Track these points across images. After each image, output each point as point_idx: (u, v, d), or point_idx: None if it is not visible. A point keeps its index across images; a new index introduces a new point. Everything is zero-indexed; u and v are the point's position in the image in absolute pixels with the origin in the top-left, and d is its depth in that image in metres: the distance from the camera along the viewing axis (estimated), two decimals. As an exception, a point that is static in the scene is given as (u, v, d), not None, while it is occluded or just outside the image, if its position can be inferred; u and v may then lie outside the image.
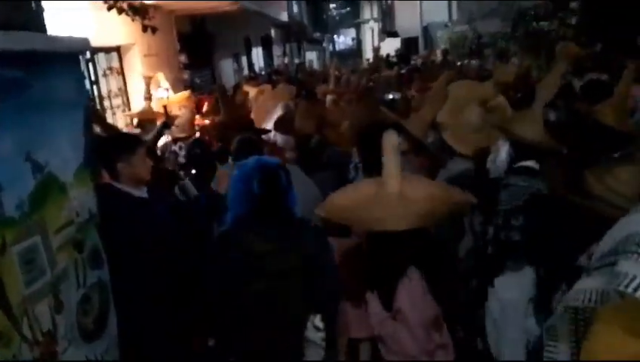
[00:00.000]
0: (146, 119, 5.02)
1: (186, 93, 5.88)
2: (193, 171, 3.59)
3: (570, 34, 6.74)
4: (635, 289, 0.92)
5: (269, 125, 4.48)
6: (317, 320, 2.02)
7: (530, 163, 2.39)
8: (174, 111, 5.16)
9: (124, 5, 3.65)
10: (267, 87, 6.63)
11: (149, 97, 5.44)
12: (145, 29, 3.95)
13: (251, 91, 6.17)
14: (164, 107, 4.88)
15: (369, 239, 1.92)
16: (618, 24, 5.68)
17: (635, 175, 1.72)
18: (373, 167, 2.55)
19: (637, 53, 4.96)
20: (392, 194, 1.69)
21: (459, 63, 9.68)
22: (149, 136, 4.21)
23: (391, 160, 1.71)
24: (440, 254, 1.82)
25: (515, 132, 2.39)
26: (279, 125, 4.06)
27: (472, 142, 2.80)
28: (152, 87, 5.66)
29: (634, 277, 0.93)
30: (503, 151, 2.69)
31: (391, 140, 1.72)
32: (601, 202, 1.65)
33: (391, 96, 5.37)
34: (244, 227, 2.14)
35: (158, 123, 4.63)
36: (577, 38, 6.43)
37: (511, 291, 2.30)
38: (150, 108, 5.26)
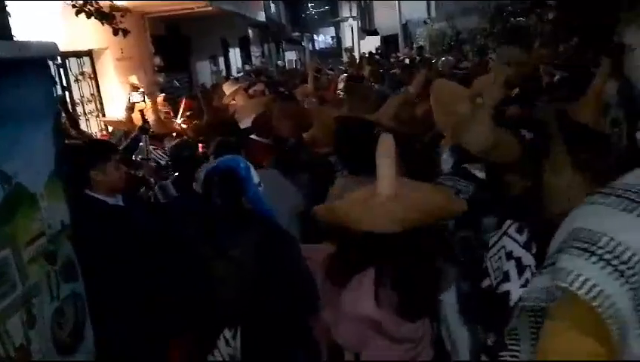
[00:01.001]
0: (122, 128, 4.95)
1: (160, 97, 5.80)
2: (176, 173, 3.55)
3: (548, 29, 6.81)
4: (572, 284, 0.91)
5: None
6: (228, 334, 2.05)
7: (473, 166, 2.35)
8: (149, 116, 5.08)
9: (92, 9, 3.56)
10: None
11: (131, 107, 5.36)
12: (116, 32, 3.87)
13: (228, 91, 6.09)
14: (141, 111, 4.80)
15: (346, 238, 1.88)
16: (594, 20, 5.73)
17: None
18: (357, 166, 2.54)
19: (612, 50, 5.01)
20: (386, 196, 1.67)
21: (434, 60, 9.70)
22: (124, 143, 4.14)
23: (385, 162, 1.69)
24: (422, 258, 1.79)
25: (461, 139, 2.33)
26: (256, 127, 4.02)
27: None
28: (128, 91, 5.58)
29: (571, 272, 0.92)
30: (445, 152, 2.70)
31: (386, 143, 1.70)
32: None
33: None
34: (200, 227, 2.16)
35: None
36: (554, 33, 6.50)
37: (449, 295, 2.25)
38: (130, 118, 5.19)
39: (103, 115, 6.56)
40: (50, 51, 2.28)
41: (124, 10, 4.05)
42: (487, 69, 6.02)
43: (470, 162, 2.32)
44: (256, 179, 2.28)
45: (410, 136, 3.21)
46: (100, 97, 6.74)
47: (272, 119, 3.88)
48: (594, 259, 0.90)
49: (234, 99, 5.68)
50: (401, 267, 1.69)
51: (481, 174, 2.27)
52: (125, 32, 3.90)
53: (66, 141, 3.08)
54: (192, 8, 8.27)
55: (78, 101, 6.15)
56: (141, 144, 4.33)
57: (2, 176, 1.85)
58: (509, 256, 1.71)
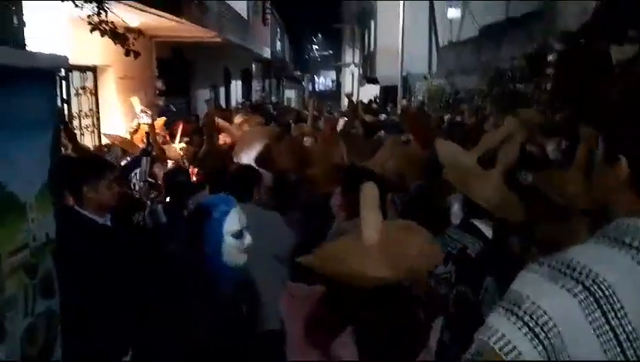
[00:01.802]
0: (122, 146, 4.93)
1: (161, 120, 5.81)
2: (167, 199, 3.52)
3: (545, 98, 6.97)
4: (490, 338, 1.01)
5: (246, 159, 4.44)
6: None
7: (480, 222, 2.37)
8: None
9: (107, 28, 3.59)
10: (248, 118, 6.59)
11: (135, 131, 5.37)
12: (127, 53, 3.89)
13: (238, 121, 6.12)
14: (147, 134, 4.80)
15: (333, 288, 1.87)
16: (589, 95, 5.90)
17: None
18: (355, 211, 2.55)
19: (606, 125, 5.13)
20: (369, 246, 1.65)
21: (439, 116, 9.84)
22: (124, 163, 4.13)
23: (369, 212, 1.68)
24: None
25: (474, 195, 2.37)
26: (260, 160, 4.02)
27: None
28: (137, 110, 5.58)
29: (492, 328, 1.02)
30: (455, 205, 2.71)
31: (369, 192, 1.69)
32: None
33: (403, 138, 5.43)
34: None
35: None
36: (551, 103, 6.66)
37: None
38: (132, 140, 5.19)
39: (99, 131, 6.54)
40: (60, 64, 2.29)
41: (136, 32, 4.09)
42: (482, 129, 6.12)
43: (479, 217, 2.33)
44: (235, 226, 2.21)
45: (402, 183, 3.25)
46: (98, 113, 6.74)
47: (276, 152, 3.89)
48: (513, 319, 1.01)
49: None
50: (380, 316, 1.66)
51: (488, 232, 2.28)
52: (136, 54, 3.94)
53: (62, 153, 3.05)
54: (201, 37, 8.39)
55: (76, 115, 6.14)
56: (141, 166, 4.30)
57: (-6, 183, 1.82)
58: None
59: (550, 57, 6.92)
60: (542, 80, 7.23)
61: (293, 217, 3.22)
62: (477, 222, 2.31)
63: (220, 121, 5.89)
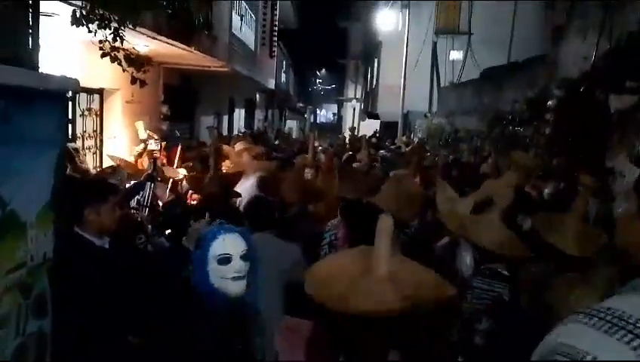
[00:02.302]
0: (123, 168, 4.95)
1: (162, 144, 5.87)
2: (168, 231, 3.53)
3: (543, 143, 7.04)
4: None
5: (240, 189, 4.46)
6: None
7: (498, 266, 2.39)
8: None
9: (120, 55, 3.65)
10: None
11: (139, 155, 5.42)
12: (134, 81, 3.93)
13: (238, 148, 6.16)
14: (154, 160, 4.84)
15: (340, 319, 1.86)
16: (586, 142, 5.98)
17: (590, 295, 1.80)
18: (358, 243, 2.56)
19: (603, 173, 5.19)
20: (379, 277, 1.66)
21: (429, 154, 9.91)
22: (128, 186, 4.15)
23: (382, 243, 1.69)
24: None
25: (473, 239, 2.40)
26: (263, 186, 4.05)
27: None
28: (140, 134, 5.62)
29: None
30: (467, 255, 2.72)
31: (385, 224, 1.71)
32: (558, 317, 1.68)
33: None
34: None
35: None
36: (549, 147, 6.73)
37: None
38: (135, 164, 5.23)
39: (101, 152, 6.58)
40: (71, 87, 2.33)
41: (146, 59, 4.15)
42: (479, 170, 6.18)
43: (491, 262, 2.34)
44: (220, 251, 2.16)
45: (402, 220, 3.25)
46: (102, 135, 6.79)
47: (281, 184, 3.92)
48: None
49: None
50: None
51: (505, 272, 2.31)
52: (143, 83, 3.96)
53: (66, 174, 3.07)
54: (209, 66, 8.51)
55: (79, 135, 6.19)
56: (144, 191, 4.33)
57: (-2, 198, 1.83)
58: None
59: (550, 103, 7.02)
60: (541, 124, 7.32)
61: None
62: (495, 267, 2.34)
63: (225, 147, 5.95)
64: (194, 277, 2.14)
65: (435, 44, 19.82)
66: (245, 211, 3.29)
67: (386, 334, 1.67)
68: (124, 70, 3.84)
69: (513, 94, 9.73)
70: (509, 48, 13.33)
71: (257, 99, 19.25)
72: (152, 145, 5.03)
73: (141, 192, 4.28)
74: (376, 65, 24.76)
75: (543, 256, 2.42)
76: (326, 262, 1.99)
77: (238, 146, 6.14)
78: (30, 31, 2.20)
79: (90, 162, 6.24)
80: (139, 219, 3.85)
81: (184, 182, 5.34)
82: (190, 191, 4.90)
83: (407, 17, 18.79)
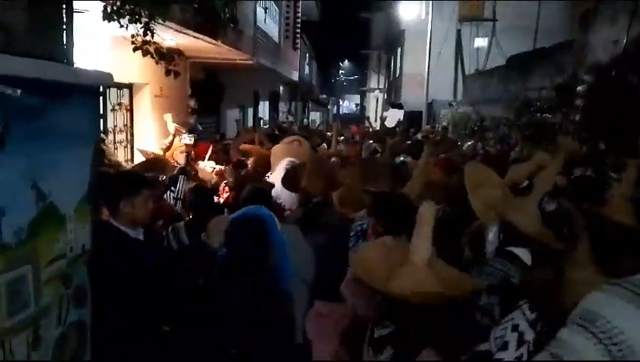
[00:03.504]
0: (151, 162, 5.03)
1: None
2: (189, 217, 3.56)
3: (573, 129, 6.91)
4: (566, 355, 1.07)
5: (272, 179, 4.49)
6: None
7: (519, 250, 2.36)
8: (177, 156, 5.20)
9: (151, 49, 3.72)
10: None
11: (167, 148, 5.49)
12: (168, 72, 4.02)
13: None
14: (187, 155, 4.91)
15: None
16: (618, 127, 5.85)
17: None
18: (391, 233, 2.56)
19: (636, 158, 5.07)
20: (419, 262, 1.67)
21: (459, 143, 9.80)
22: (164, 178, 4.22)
23: (423, 231, 1.71)
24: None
25: (509, 219, 2.37)
26: (286, 181, 4.06)
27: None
28: (170, 127, 5.68)
29: (567, 343, 1.08)
30: (491, 233, 2.69)
31: (427, 211, 1.72)
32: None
33: (402, 159, 5.44)
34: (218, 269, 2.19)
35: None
36: (579, 133, 6.60)
37: None
38: (162, 157, 5.30)
39: (132, 146, 6.70)
40: (104, 81, 2.38)
41: (178, 52, 4.22)
42: (507, 158, 6.08)
43: (517, 245, 2.32)
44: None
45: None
46: (132, 129, 6.91)
47: (305, 176, 3.92)
48: (588, 335, 1.05)
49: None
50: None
51: (525, 258, 2.28)
52: (177, 74, 4.05)
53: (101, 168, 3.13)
54: (234, 59, 8.56)
55: (111, 130, 6.32)
56: (177, 185, 4.39)
57: (39, 192, 1.89)
58: (515, 328, 1.74)
59: (580, 88, 6.87)
60: (570, 111, 7.17)
61: (318, 238, 3.23)
62: (516, 250, 2.31)
63: (246, 146, 5.97)
64: (277, 245, 2.21)
65: (459, 32, 19.52)
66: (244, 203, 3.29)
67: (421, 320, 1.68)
68: (157, 62, 3.91)
69: (540, 81, 9.54)
70: (534, 34, 13.07)
71: (281, 91, 19.29)
72: (186, 140, 5.09)
73: (174, 186, 4.35)
74: (399, 54, 24.54)
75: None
76: (370, 247, 2.02)
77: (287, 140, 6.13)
78: (64, 27, 2.25)
79: (121, 156, 6.36)
80: (179, 212, 3.90)
81: (214, 176, 5.38)
82: (222, 186, 4.94)
83: (430, 5, 18.51)
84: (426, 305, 1.64)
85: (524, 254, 2.30)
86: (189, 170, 4.60)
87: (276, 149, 5.31)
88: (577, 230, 2.08)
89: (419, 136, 11.88)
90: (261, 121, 15.19)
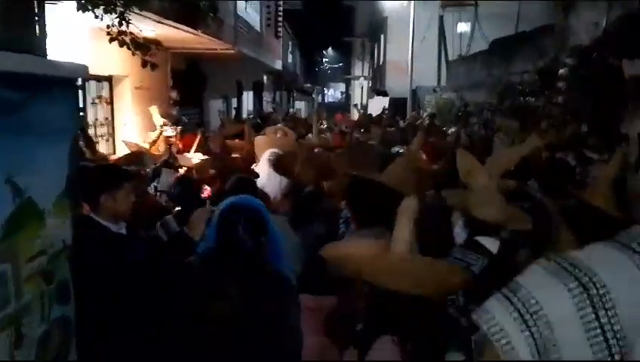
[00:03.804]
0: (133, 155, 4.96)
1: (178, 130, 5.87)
2: (177, 209, 3.53)
3: (556, 112, 6.96)
4: (480, 319, 1.08)
5: (257, 170, 4.46)
6: None
7: (486, 239, 2.34)
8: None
9: (127, 39, 3.65)
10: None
11: (154, 142, 5.43)
12: (145, 64, 3.95)
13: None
14: (170, 146, 4.86)
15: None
16: (601, 109, 5.90)
17: None
18: (366, 221, 2.54)
19: (619, 139, 5.13)
20: (399, 256, 1.66)
21: (444, 128, 9.83)
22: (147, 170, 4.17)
23: (405, 224, 1.68)
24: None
25: (474, 213, 2.35)
26: (278, 165, 4.03)
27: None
28: (155, 119, 5.62)
29: (486, 311, 1.09)
30: (457, 226, 2.69)
31: (409, 205, 1.70)
32: None
33: (397, 150, 5.44)
34: (203, 263, 2.15)
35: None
36: (562, 116, 6.65)
37: None
38: (145, 149, 5.25)
39: (114, 139, 6.62)
40: (80, 73, 2.33)
41: (156, 43, 4.15)
42: (491, 144, 6.10)
43: (484, 235, 2.30)
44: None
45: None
46: (113, 122, 6.83)
47: (298, 164, 3.91)
48: (507, 304, 1.07)
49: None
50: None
51: (493, 248, 2.26)
52: (154, 66, 3.98)
53: (81, 162, 3.08)
54: (215, 49, 8.48)
55: (91, 124, 6.23)
56: (160, 177, 4.34)
57: (15, 188, 1.85)
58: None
59: (562, 71, 6.91)
60: (553, 94, 7.22)
61: (307, 230, 3.22)
62: (481, 239, 2.29)
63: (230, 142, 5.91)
64: (272, 239, 2.18)
65: (441, 18, 19.54)
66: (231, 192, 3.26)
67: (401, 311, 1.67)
68: (133, 54, 3.85)
69: (523, 65, 9.59)
70: (517, 18, 13.11)
71: (265, 81, 19.18)
72: (169, 132, 5.04)
73: (157, 178, 4.30)
74: (382, 41, 24.50)
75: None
76: (341, 243, 2.00)
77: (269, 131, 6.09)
78: (37, 18, 2.20)
79: (104, 149, 6.29)
80: (164, 204, 3.86)
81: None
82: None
83: (412, -9, 18.49)
84: (412, 297, 1.62)
85: (491, 243, 2.29)
86: (172, 162, 4.56)
87: (260, 140, 5.27)
88: (552, 218, 2.07)
89: (403, 123, 11.90)
90: (245, 112, 15.07)
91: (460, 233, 2.60)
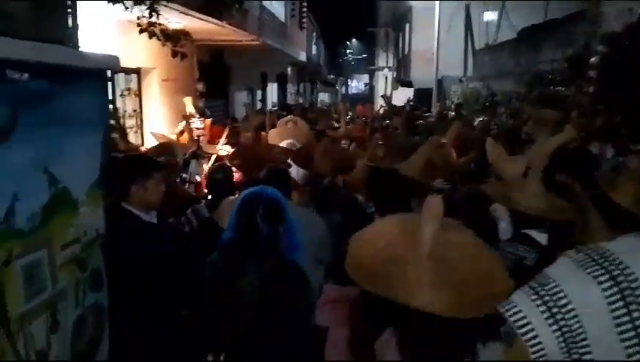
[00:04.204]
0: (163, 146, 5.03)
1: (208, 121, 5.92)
2: (209, 196, 3.56)
3: (587, 102, 6.80)
4: (509, 311, 1.06)
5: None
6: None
7: (533, 232, 2.30)
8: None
9: (157, 30, 3.69)
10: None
11: (181, 133, 5.49)
12: (175, 54, 4.00)
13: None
14: (198, 138, 4.92)
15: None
16: (633, 99, 5.74)
17: None
18: (385, 212, 2.53)
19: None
20: (421, 263, 1.45)
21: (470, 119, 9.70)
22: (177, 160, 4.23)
23: (428, 227, 1.49)
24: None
25: (516, 206, 2.29)
26: (297, 157, 4.04)
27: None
28: (189, 110, 5.67)
29: (513, 303, 1.07)
30: (502, 220, 2.64)
31: (434, 205, 1.52)
32: None
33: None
34: (223, 252, 2.19)
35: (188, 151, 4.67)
36: (593, 106, 6.49)
37: None
38: (174, 141, 5.31)
39: (142, 131, 6.71)
40: (111, 65, 2.36)
41: (184, 34, 4.19)
42: (520, 133, 6.01)
43: (530, 228, 2.27)
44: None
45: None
46: (142, 114, 6.92)
47: (316, 155, 3.90)
48: (534, 296, 1.05)
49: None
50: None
51: (543, 240, 2.22)
52: (183, 56, 4.03)
53: (113, 153, 3.13)
54: (241, 40, 8.50)
55: (121, 115, 6.33)
56: (190, 167, 4.41)
57: (50, 177, 1.89)
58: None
59: (593, 60, 6.74)
60: (584, 83, 7.05)
61: (331, 218, 3.21)
62: (530, 232, 2.26)
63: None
64: (288, 229, 2.21)
65: (467, 6, 19.22)
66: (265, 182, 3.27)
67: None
68: (163, 44, 3.89)
69: (552, 53, 9.38)
70: (545, 6, 12.82)
71: (289, 72, 19.17)
72: (197, 123, 5.10)
73: (186, 168, 4.36)
74: (407, 31, 24.22)
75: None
76: (364, 237, 1.81)
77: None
78: (69, 11, 2.23)
79: (132, 140, 6.37)
80: (193, 195, 3.90)
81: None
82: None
83: (437, -20, 18.22)
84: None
85: (538, 235, 2.26)
86: (200, 153, 4.61)
87: (272, 133, 5.28)
88: (582, 202, 2.02)
89: (433, 113, 11.80)
90: (270, 103, 15.11)
91: (506, 228, 2.56)
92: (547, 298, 1.03)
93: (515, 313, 1.05)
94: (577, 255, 1.08)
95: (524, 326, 1.03)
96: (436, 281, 1.42)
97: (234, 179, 4.07)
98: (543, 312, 1.03)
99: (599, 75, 6.62)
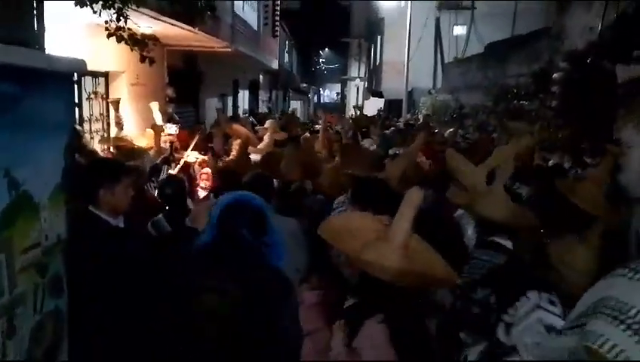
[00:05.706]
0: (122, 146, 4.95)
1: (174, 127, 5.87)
2: (167, 208, 3.53)
3: (549, 115, 7.00)
4: (602, 346, 1.03)
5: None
6: None
7: (499, 238, 2.38)
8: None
9: (125, 35, 3.66)
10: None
11: (152, 139, 5.44)
12: (143, 59, 3.96)
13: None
14: (171, 144, 4.87)
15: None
16: (593, 114, 5.94)
17: (588, 255, 1.91)
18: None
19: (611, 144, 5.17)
20: (396, 245, 1.68)
21: (437, 130, 9.88)
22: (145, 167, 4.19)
23: (406, 214, 1.70)
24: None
25: (481, 212, 2.38)
26: (265, 164, 4.06)
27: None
28: (155, 116, 5.59)
29: (601, 336, 1.04)
30: (469, 228, 2.72)
31: (414, 196, 1.72)
32: (560, 275, 1.81)
33: (395, 151, 5.48)
34: (198, 257, 2.15)
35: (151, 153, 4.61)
36: (555, 120, 6.69)
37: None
38: (125, 137, 5.24)
39: (109, 135, 6.60)
40: (78, 68, 2.34)
41: (154, 39, 4.16)
42: (490, 144, 6.15)
43: (495, 234, 2.33)
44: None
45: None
46: (108, 118, 6.81)
47: (283, 162, 3.93)
48: (622, 326, 1.02)
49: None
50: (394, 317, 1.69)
51: (507, 243, 2.29)
52: (152, 61, 4.00)
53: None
54: (213, 47, 8.47)
55: (86, 119, 6.23)
56: (160, 173, 4.37)
57: (12, 181, 1.86)
58: (551, 329, 1.73)
59: (556, 75, 6.96)
60: (547, 97, 7.27)
61: (300, 222, 3.23)
62: (498, 239, 2.33)
63: (235, 127, 5.93)
64: (270, 238, 2.17)
65: (438, 20, 19.61)
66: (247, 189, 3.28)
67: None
68: (131, 49, 3.86)
69: (518, 68, 9.64)
70: (512, 22, 13.17)
71: (261, 80, 19.17)
72: (172, 130, 5.05)
73: (157, 175, 4.32)
74: (379, 42, 24.53)
75: (545, 222, 2.43)
76: (345, 217, 2.02)
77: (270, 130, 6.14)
78: (35, 13, 2.21)
79: (97, 146, 6.27)
80: (159, 200, 3.86)
81: (196, 166, 5.34)
82: (200, 174, 4.92)
83: (409, -7, 18.53)
84: (401, 286, 1.65)
85: (505, 241, 2.33)
86: (171, 159, 4.57)
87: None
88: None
89: (401, 124, 11.95)
90: (241, 111, 15.07)
91: (472, 237, 2.62)
92: (636, 326, 1.03)
93: (611, 347, 1.03)
94: (635, 274, 1.09)
95: (612, 348, 1.03)
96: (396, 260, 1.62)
97: (185, 188, 4.05)
98: (637, 342, 1.02)
99: (561, 90, 6.83)
